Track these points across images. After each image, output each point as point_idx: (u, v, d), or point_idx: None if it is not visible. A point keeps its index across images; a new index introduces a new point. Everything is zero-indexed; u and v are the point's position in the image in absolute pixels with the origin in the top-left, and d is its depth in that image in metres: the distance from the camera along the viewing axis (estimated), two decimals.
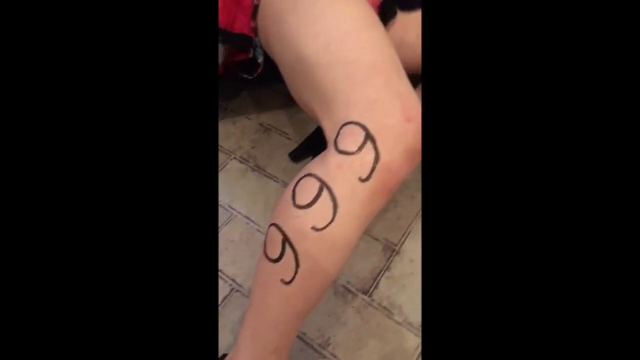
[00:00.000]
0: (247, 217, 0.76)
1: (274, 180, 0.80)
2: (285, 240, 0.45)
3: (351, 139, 0.44)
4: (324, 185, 0.44)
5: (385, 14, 0.62)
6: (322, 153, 0.47)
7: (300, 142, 0.84)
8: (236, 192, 0.79)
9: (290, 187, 0.47)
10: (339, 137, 0.45)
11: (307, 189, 0.45)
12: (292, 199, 0.45)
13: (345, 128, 0.44)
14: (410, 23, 0.64)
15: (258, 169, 0.82)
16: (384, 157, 0.43)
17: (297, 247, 0.44)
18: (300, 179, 0.46)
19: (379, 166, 0.43)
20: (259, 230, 0.74)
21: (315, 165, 0.46)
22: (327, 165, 0.44)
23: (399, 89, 0.45)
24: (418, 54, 0.60)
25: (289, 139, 0.86)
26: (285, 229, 0.45)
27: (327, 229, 0.43)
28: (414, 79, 0.57)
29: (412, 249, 0.70)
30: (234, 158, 0.84)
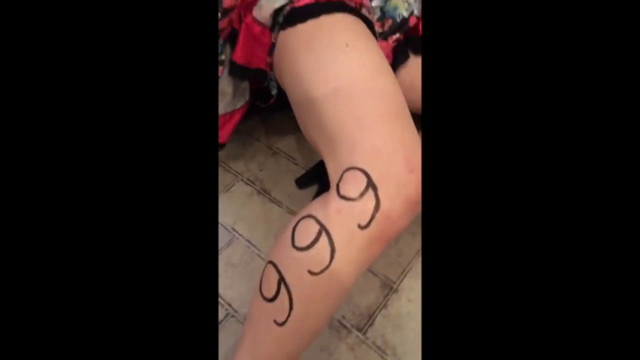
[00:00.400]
0: (249, 241, 0.76)
1: (278, 205, 0.80)
2: (281, 280, 0.45)
3: (353, 185, 0.44)
4: (323, 228, 0.44)
5: (398, 58, 0.63)
6: (324, 195, 0.47)
7: (307, 168, 0.84)
8: (240, 215, 0.80)
9: (290, 226, 0.47)
10: (342, 181, 0.45)
11: (307, 231, 0.45)
12: (291, 239, 0.46)
13: (348, 173, 0.45)
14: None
15: (264, 192, 0.83)
16: (384, 205, 0.43)
17: (292, 289, 0.44)
18: (301, 219, 0.47)
19: (378, 214, 0.43)
20: (259, 255, 0.74)
21: (316, 207, 0.46)
22: (328, 209, 0.45)
23: (403, 139, 0.45)
24: None
25: (296, 164, 0.87)
26: (281, 269, 0.45)
27: (323, 273, 0.43)
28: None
29: (411, 288, 0.69)
30: (241, 180, 0.85)
